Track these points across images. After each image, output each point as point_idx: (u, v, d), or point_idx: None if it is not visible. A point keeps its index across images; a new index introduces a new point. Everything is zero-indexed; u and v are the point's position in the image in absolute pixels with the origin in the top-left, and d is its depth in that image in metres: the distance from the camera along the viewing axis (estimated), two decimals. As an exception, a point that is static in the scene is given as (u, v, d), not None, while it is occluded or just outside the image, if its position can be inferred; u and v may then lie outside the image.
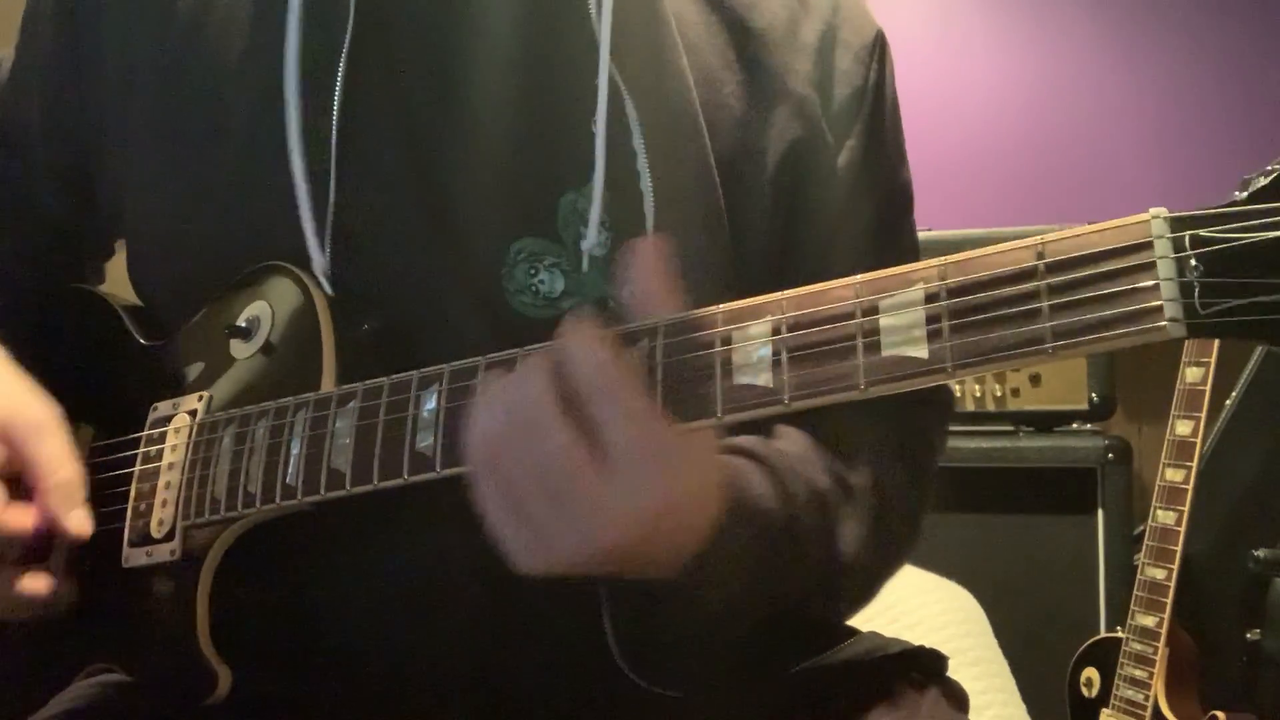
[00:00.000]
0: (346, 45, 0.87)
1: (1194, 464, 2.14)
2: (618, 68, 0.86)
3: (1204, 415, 2.14)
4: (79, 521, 0.87)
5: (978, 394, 2.59)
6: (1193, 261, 0.50)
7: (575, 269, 0.87)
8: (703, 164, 0.89)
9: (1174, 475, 2.17)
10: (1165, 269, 0.51)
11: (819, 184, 0.92)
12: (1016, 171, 3.07)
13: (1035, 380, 2.57)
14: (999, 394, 2.59)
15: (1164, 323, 0.50)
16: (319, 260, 0.86)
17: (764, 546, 0.80)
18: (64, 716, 0.90)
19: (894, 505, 0.92)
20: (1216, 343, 2.13)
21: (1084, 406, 2.54)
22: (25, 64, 1.03)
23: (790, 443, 0.87)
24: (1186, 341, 2.14)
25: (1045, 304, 0.54)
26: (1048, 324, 0.54)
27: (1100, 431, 2.59)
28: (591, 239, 0.85)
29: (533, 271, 0.87)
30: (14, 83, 1.05)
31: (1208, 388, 2.14)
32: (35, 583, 0.87)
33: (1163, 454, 2.20)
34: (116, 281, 1.09)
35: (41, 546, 0.90)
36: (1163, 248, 0.51)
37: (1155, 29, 3.07)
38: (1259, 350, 2.35)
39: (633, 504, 0.66)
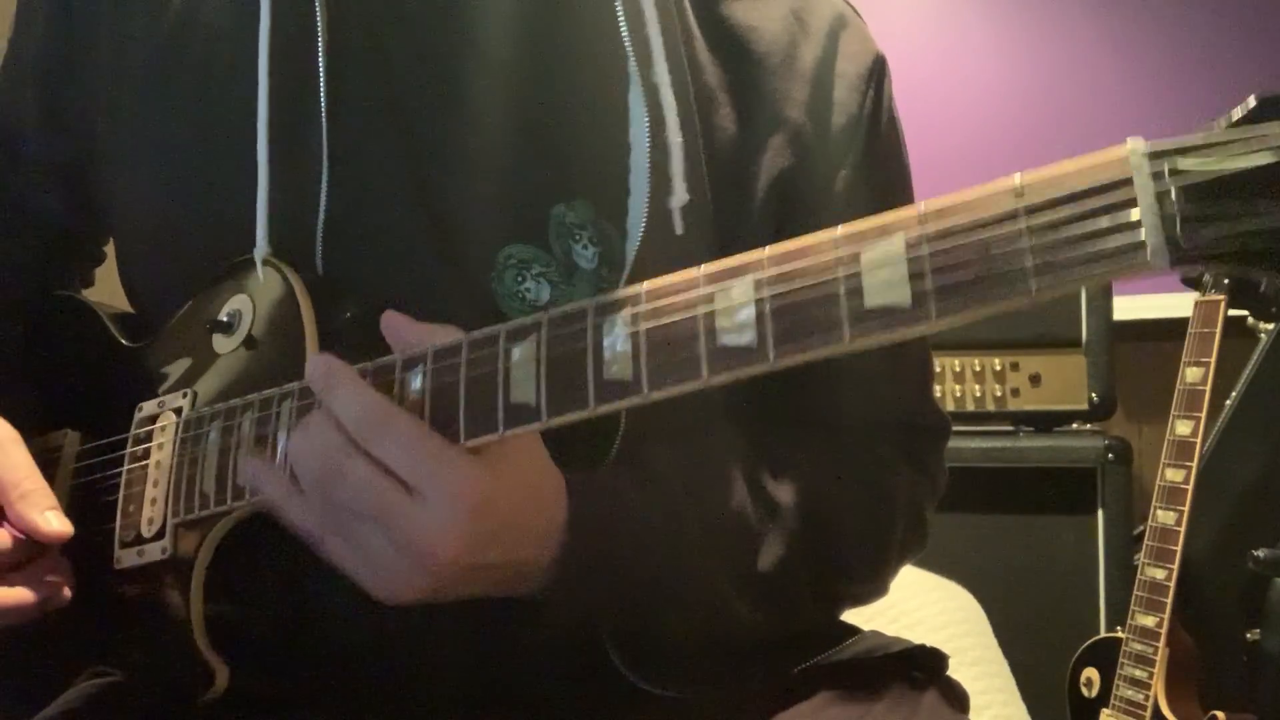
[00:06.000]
0: (322, 47, 0.87)
1: (1194, 464, 2.13)
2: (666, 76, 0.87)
3: (1204, 415, 2.13)
4: (54, 522, 0.87)
5: (978, 394, 2.58)
6: (1172, 193, 0.50)
7: (564, 280, 0.87)
8: (700, 185, 0.88)
9: (1174, 475, 2.16)
10: (1145, 202, 0.50)
11: (810, 212, 0.91)
12: (1014, 169, 3.08)
13: (1035, 380, 2.56)
14: (999, 394, 2.58)
15: (1147, 256, 0.50)
16: (262, 246, 0.86)
17: (646, 556, 0.80)
18: (62, 718, 0.89)
19: (837, 530, 0.90)
20: (1216, 343, 2.13)
21: (1084, 406, 2.54)
22: (19, 60, 1.03)
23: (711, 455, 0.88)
24: (1187, 341, 2.16)
25: (1027, 245, 0.53)
26: (1030, 265, 0.53)
27: (1100, 431, 2.58)
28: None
29: (520, 279, 0.86)
30: (8, 79, 1.05)
31: (1208, 388, 2.14)
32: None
33: (1163, 454, 2.19)
34: (107, 294, 1.09)
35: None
36: (1142, 181, 0.50)
37: (1155, 24, 3.08)
38: (1259, 350, 2.35)
39: (450, 518, 0.68)
